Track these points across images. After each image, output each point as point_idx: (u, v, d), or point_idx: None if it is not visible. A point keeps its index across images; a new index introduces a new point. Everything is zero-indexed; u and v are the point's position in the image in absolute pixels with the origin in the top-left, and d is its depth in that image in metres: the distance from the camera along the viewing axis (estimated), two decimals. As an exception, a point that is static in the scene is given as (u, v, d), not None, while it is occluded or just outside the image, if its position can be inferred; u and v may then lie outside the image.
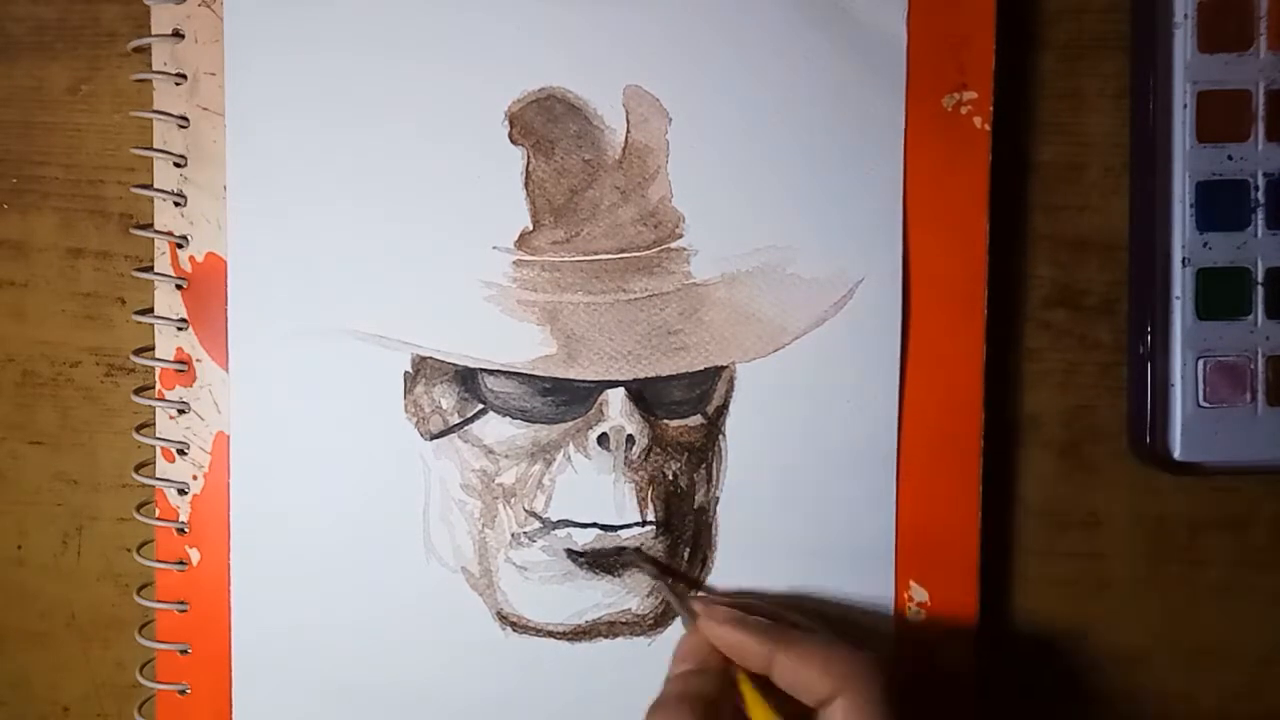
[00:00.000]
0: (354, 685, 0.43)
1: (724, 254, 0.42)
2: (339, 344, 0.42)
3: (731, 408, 0.42)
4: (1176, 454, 0.42)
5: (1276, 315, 0.41)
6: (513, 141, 0.42)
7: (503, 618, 0.43)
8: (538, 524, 0.43)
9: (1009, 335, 0.43)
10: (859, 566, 0.42)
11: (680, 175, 0.42)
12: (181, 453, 0.43)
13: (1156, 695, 0.44)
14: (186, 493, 0.43)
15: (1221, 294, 0.41)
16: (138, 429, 0.43)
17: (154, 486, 0.43)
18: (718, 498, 0.42)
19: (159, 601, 0.43)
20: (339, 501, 0.43)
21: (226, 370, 0.42)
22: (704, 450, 0.42)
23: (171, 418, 0.43)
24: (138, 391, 0.43)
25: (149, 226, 0.43)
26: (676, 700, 0.36)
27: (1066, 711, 0.44)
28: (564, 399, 0.42)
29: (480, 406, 0.42)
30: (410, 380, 0.42)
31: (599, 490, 0.42)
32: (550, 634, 0.43)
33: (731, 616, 0.38)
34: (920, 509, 0.42)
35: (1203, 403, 0.41)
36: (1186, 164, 0.41)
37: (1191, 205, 0.41)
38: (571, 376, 0.42)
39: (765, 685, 0.37)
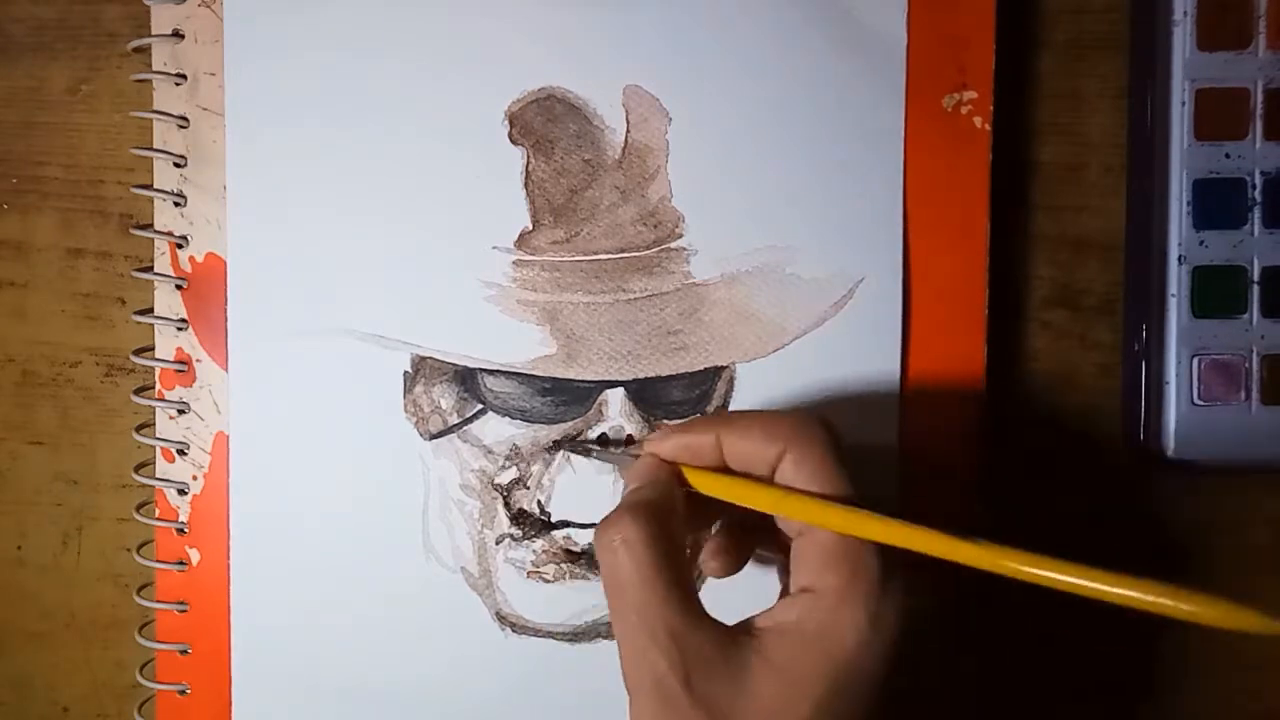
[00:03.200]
0: (353, 685, 0.43)
1: (724, 254, 0.42)
2: (339, 344, 0.42)
3: (731, 408, 0.42)
4: (1171, 452, 0.42)
5: (1272, 314, 0.41)
6: (513, 141, 0.42)
7: (502, 618, 0.43)
8: (537, 524, 0.43)
9: (1009, 335, 0.43)
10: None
11: (680, 175, 0.42)
12: (181, 453, 0.43)
13: (1156, 695, 0.44)
14: (186, 493, 0.43)
15: (1217, 292, 0.41)
16: (138, 429, 0.43)
17: (154, 486, 0.43)
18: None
19: (159, 602, 0.43)
20: (338, 501, 0.43)
21: (226, 370, 0.42)
22: (704, 450, 0.42)
23: (171, 418, 0.43)
24: (138, 392, 0.43)
25: (149, 226, 0.43)
26: (621, 509, 0.35)
27: (1067, 712, 0.44)
28: (563, 399, 0.42)
29: (480, 406, 0.42)
30: (410, 380, 0.42)
31: (599, 490, 0.42)
32: (550, 634, 0.43)
33: (670, 426, 0.39)
34: (921, 510, 0.42)
35: (1197, 401, 0.41)
36: (1184, 162, 0.41)
37: (1188, 203, 0.41)
38: (571, 376, 0.42)
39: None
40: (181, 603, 0.43)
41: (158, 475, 0.43)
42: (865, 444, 0.42)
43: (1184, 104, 0.41)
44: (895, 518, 0.33)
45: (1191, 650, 0.44)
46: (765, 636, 0.33)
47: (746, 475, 0.36)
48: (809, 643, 0.33)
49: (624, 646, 0.34)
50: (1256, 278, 0.41)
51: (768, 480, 0.35)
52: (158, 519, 0.43)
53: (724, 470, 0.36)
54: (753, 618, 0.34)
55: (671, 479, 0.36)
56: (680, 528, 0.36)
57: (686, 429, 0.37)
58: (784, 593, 0.36)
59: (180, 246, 0.43)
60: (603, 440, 0.42)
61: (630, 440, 0.42)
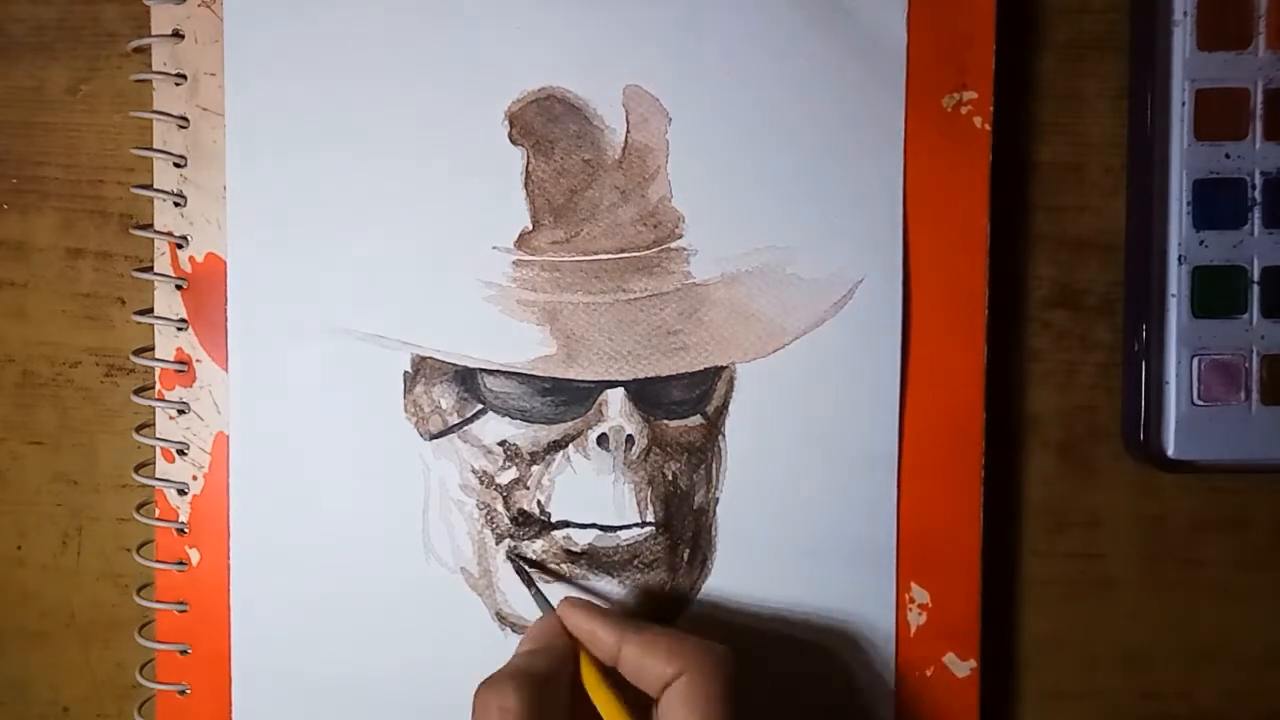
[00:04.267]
0: (353, 685, 0.43)
1: (724, 254, 0.42)
2: (339, 344, 0.42)
3: (731, 408, 0.42)
4: (1170, 452, 0.42)
5: (1272, 314, 0.41)
6: (513, 142, 0.42)
7: (502, 618, 0.43)
8: (537, 524, 0.43)
9: (1009, 335, 0.43)
10: (860, 567, 0.42)
11: (680, 175, 0.42)
12: (181, 453, 0.43)
13: (1157, 695, 0.44)
14: (186, 493, 0.43)
15: (1217, 292, 0.41)
16: (138, 429, 0.43)
17: (154, 487, 0.43)
18: (717, 498, 0.42)
19: (159, 602, 0.43)
20: (338, 501, 0.43)
21: (226, 370, 0.42)
22: (704, 450, 0.42)
23: (171, 418, 0.43)
24: (138, 392, 0.43)
25: (149, 227, 0.43)
26: (506, 675, 0.36)
27: (1066, 711, 0.44)
28: (563, 399, 0.42)
29: (480, 406, 0.42)
30: (410, 380, 0.42)
31: (598, 491, 0.42)
32: (550, 634, 0.43)
33: (588, 604, 0.39)
34: (921, 510, 0.42)
35: (1197, 401, 0.41)
36: (1184, 162, 0.41)
37: (1188, 203, 0.41)
38: (571, 377, 0.42)
39: (611, 676, 0.38)
40: (181, 603, 0.43)
41: (158, 475, 0.43)
42: (865, 444, 0.42)
43: (1184, 104, 0.41)
44: None
45: (1191, 650, 0.44)
46: None
47: (622, 694, 0.37)
48: None
49: None
50: (1256, 278, 0.41)
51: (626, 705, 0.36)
52: (158, 519, 0.43)
53: (610, 672, 0.37)
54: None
55: (567, 654, 0.38)
56: (563, 701, 0.37)
57: (597, 614, 0.38)
58: None
59: (180, 246, 0.43)
60: (602, 441, 0.42)
61: (629, 442, 0.42)
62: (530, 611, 0.42)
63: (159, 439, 0.43)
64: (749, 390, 0.42)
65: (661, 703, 0.36)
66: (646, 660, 0.36)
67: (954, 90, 0.42)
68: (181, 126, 0.42)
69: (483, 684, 0.36)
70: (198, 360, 0.43)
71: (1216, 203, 0.41)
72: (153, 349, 0.43)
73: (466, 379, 0.42)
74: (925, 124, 0.42)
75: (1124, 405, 0.43)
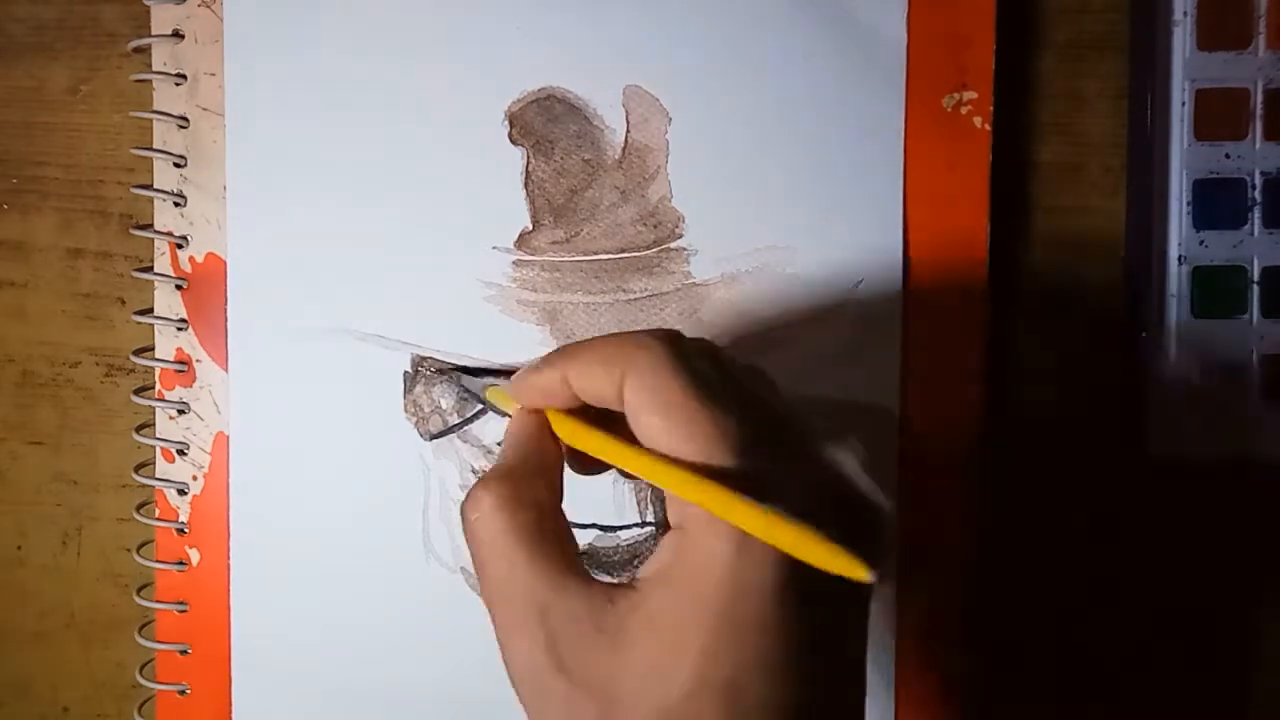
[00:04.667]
0: (353, 685, 0.43)
1: (724, 254, 0.42)
2: (339, 344, 0.42)
3: (731, 408, 0.42)
4: (1170, 452, 0.42)
5: (1272, 314, 0.41)
6: (513, 141, 0.42)
7: (502, 618, 0.43)
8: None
9: (1009, 335, 0.43)
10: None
11: (680, 175, 0.42)
12: (181, 453, 0.43)
13: (1156, 695, 0.44)
14: (186, 493, 0.43)
15: (1217, 292, 0.41)
16: (138, 429, 0.43)
17: (154, 487, 0.43)
18: (717, 498, 0.42)
19: (159, 602, 0.43)
20: (339, 501, 0.43)
21: (226, 370, 0.42)
22: (704, 450, 0.42)
23: (171, 418, 0.43)
24: (138, 392, 0.43)
25: (149, 227, 0.43)
26: (479, 481, 0.31)
27: (1066, 712, 0.44)
28: (564, 399, 0.42)
29: (480, 407, 0.42)
30: (410, 380, 0.42)
31: (598, 491, 0.42)
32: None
33: (525, 367, 0.33)
34: (921, 509, 0.42)
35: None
36: (1184, 162, 0.41)
37: (1188, 203, 0.41)
38: (571, 376, 0.42)
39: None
40: (181, 603, 0.43)
41: (158, 475, 0.43)
42: (865, 444, 0.42)
43: (1184, 104, 0.41)
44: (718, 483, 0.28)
45: (1191, 649, 0.44)
46: (645, 587, 0.29)
47: (597, 419, 0.31)
48: (680, 587, 0.28)
49: (496, 633, 0.31)
50: (1256, 278, 0.41)
51: (614, 434, 0.31)
52: (158, 519, 0.43)
53: (580, 412, 0.32)
54: (639, 567, 0.30)
55: (537, 432, 0.32)
56: (550, 482, 0.32)
57: (535, 369, 0.32)
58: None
59: (180, 246, 0.43)
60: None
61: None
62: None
63: (159, 439, 0.43)
64: (749, 390, 0.42)
65: (628, 419, 0.30)
66: (590, 383, 0.31)
67: (954, 90, 0.42)
68: (181, 126, 0.42)
69: (461, 505, 0.31)
70: (198, 360, 0.43)
71: (1216, 203, 0.41)
72: (153, 349, 0.43)
73: (466, 379, 0.42)
74: (925, 124, 0.42)
75: (1124, 405, 0.43)
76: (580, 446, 0.31)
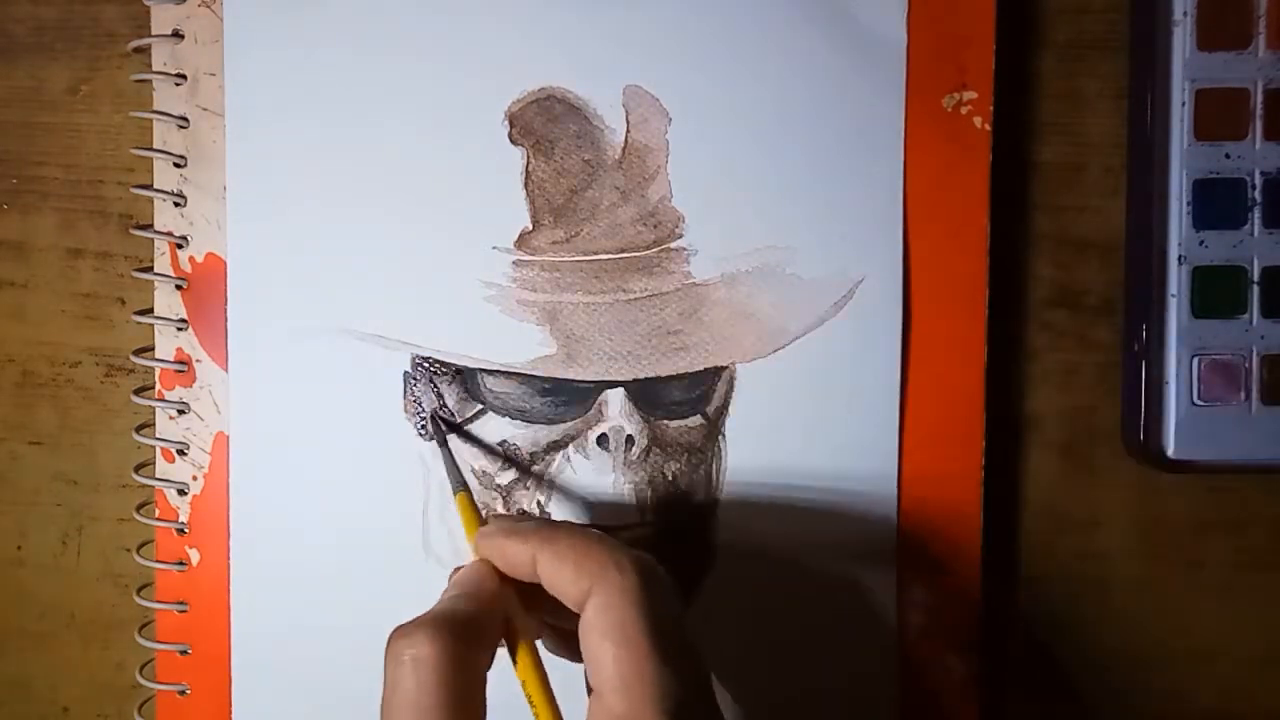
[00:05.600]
0: (353, 686, 0.43)
1: (724, 254, 0.42)
2: (339, 344, 0.42)
3: (731, 408, 0.42)
4: (1170, 452, 0.42)
5: (1272, 314, 0.41)
6: (513, 141, 0.42)
7: (502, 618, 0.43)
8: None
9: (1009, 335, 0.43)
10: (860, 567, 0.42)
11: (680, 175, 0.42)
12: (181, 453, 0.43)
13: (1156, 695, 0.44)
14: (186, 493, 0.43)
15: (1217, 292, 0.41)
16: (138, 429, 0.43)
17: (154, 487, 0.43)
18: (718, 498, 0.42)
19: (159, 602, 0.43)
20: (338, 502, 0.43)
21: (226, 370, 0.42)
22: (704, 451, 0.42)
23: (171, 418, 0.43)
24: (138, 392, 0.43)
25: (149, 227, 0.43)
26: (422, 620, 0.31)
27: (1067, 711, 0.44)
28: (563, 399, 0.42)
29: (480, 407, 0.42)
30: (410, 380, 0.42)
31: (598, 491, 0.42)
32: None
33: (502, 522, 0.35)
34: (922, 510, 0.42)
35: (1197, 401, 0.41)
36: (1184, 162, 0.41)
37: (1188, 203, 0.41)
38: (571, 377, 0.42)
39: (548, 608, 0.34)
40: (181, 603, 0.43)
41: (158, 475, 0.43)
42: (865, 444, 0.42)
43: (1184, 104, 0.41)
44: None
45: (1191, 650, 0.44)
46: None
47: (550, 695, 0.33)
48: None
49: None
50: (1256, 278, 0.41)
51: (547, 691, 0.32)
52: (158, 519, 0.43)
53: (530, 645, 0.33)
54: None
55: (490, 597, 0.33)
56: (490, 648, 0.33)
57: (509, 531, 0.34)
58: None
59: (180, 246, 0.43)
60: (602, 441, 0.42)
61: (629, 442, 0.42)
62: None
63: (159, 439, 0.43)
64: (749, 390, 0.42)
65: (580, 626, 0.32)
66: (559, 575, 0.32)
67: (954, 90, 0.42)
68: (181, 126, 0.42)
69: (395, 630, 0.31)
70: (198, 360, 0.43)
71: (1216, 203, 0.41)
72: (153, 349, 0.43)
73: (466, 379, 0.42)
74: (925, 124, 0.42)
75: (1124, 405, 0.43)
76: (519, 669, 0.33)
